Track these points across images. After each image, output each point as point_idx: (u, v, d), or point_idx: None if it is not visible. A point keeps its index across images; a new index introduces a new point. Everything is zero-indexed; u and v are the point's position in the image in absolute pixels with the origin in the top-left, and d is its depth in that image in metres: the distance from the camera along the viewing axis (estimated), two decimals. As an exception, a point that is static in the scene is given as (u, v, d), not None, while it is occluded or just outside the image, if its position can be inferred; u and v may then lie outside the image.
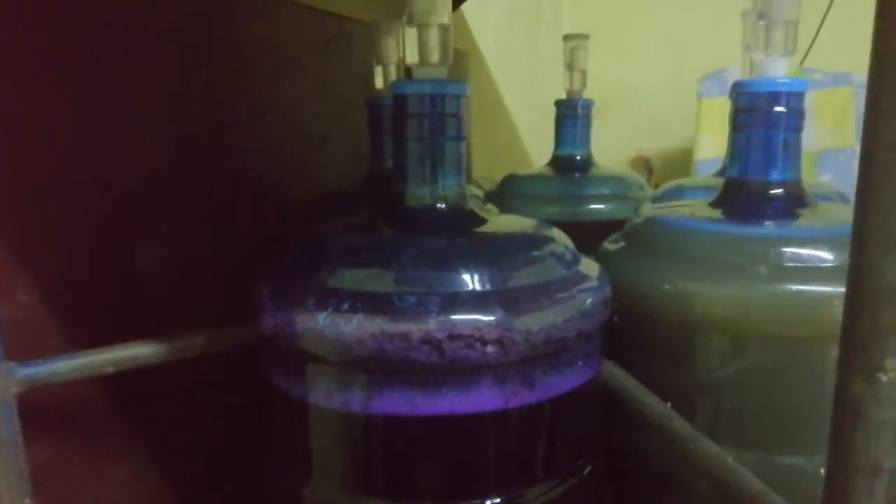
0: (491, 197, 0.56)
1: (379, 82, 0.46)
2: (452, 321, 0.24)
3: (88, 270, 0.33)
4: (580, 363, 0.27)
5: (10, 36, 0.28)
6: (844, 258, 0.26)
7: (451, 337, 0.24)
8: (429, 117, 0.28)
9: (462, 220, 0.29)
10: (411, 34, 0.28)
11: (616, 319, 0.31)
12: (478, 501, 0.26)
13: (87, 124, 0.32)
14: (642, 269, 0.31)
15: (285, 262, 0.28)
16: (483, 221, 0.30)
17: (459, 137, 0.29)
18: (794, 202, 0.32)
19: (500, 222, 0.31)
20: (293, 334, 0.25)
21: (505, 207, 0.54)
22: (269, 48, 0.43)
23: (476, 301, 0.25)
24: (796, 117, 0.31)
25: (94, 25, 0.32)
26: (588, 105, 0.56)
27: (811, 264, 0.29)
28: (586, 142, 0.56)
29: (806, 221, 0.31)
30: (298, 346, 0.25)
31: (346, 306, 0.24)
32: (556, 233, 0.31)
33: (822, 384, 0.28)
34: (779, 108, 0.31)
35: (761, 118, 0.31)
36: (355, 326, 0.24)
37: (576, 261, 0.29)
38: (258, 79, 0.42)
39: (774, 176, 0.32)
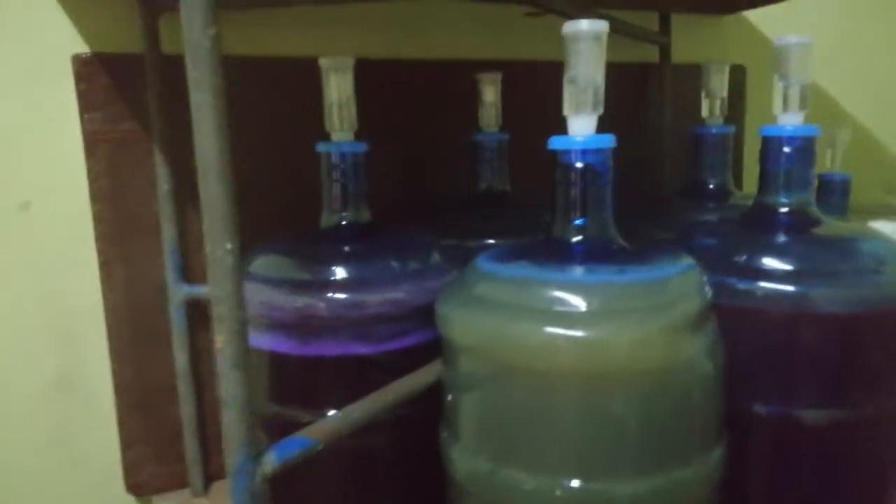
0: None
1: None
2: (310, 297, 0.39)
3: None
4: (403, 332, 0.40)
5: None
6: (597, 305, 0.31)
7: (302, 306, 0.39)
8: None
9: (366, 237, 0.43)
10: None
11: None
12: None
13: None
14: (443, 294, 0.37)
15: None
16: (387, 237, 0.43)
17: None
18: (598, 247, 0.35)
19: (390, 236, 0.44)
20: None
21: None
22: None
23: (324, 286, 0.40)
24: (596, 172, 0.35)
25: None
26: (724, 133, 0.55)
27: (557, 308, 0.32)
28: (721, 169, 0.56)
29: (598, 266, 0.34)
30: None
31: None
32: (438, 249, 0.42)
33: (536, 413, 0.33)
34: (578, 164, 0.35)
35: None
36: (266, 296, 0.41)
37: (423, 268, 0.41)
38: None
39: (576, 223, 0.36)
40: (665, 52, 0.70)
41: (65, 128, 0.51)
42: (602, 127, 0.64)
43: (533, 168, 0.59)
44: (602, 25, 0.34)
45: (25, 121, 0.51)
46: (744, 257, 0.41)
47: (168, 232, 0.53)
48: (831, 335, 0.40)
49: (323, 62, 0.42)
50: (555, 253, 0.35)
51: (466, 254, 0.41)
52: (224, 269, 0.27)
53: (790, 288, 0.39)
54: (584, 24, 0.33)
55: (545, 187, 0.49)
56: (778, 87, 0.42)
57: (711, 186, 0.56)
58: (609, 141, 0.35)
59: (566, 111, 0.35)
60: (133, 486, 0.56)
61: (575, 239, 0.35)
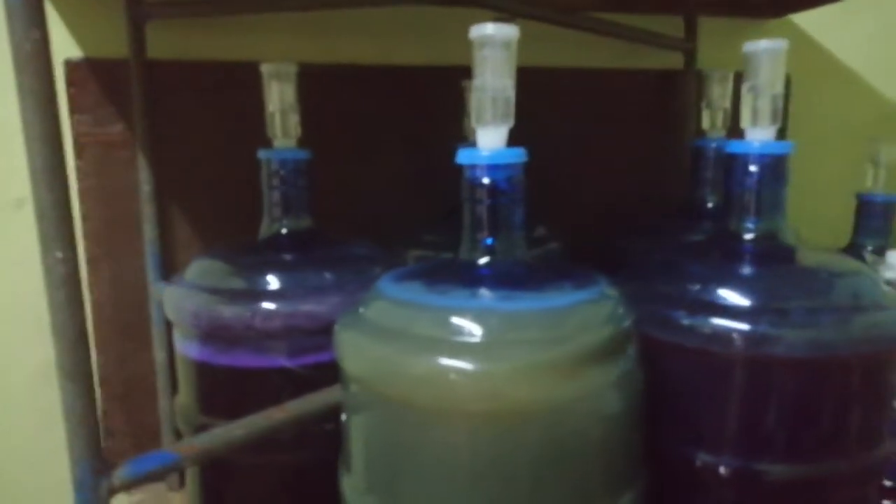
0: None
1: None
2: (227, 306, 0.38)
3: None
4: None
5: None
6: (481, 335, 0.29)
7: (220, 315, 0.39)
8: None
9: (303, 247, 0.42)
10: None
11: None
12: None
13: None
14: (343, 312, 0.34)
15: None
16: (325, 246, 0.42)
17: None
18: (503, 270, 0.33)
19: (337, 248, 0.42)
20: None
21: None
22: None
23: (248, 297, 0.39)
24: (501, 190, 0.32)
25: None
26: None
27: (436, 336, 0.29)
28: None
29: (493, 292, 0.32)
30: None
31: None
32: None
33: (423, 450, 0.30)
34: (485, 181, 0.33)
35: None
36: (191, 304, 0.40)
37: (354, 281, 0.39)
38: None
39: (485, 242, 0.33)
40: (690, 58, 0.66)
41: (57, 129, 0.54)
42: (620, 136, 0.61)
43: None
44: (511, 30, 0.31)
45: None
46: (697, 289, 0.37)
47: (149, 232, 0.54)
48: (792, 382, 0.35)
49: (265, 68, 0.41)
50: (455, 274, 0.33)
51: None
52: (56, 278, 0.26)
53: (745, 326, 0.35)
54: (490, 29, 0.31)
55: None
56: (746, 98, 0.37)
57: (710, 205, 0.52)
58: (519, 155, 0.32)
59: (473, 122, 0.32)
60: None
61: (480, 260, 0.33)
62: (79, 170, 0.54)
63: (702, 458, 0.36)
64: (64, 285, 0.26)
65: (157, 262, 0.55)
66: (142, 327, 0.56)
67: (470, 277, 0.33)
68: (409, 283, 0.33)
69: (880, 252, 0.58)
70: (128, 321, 0.56)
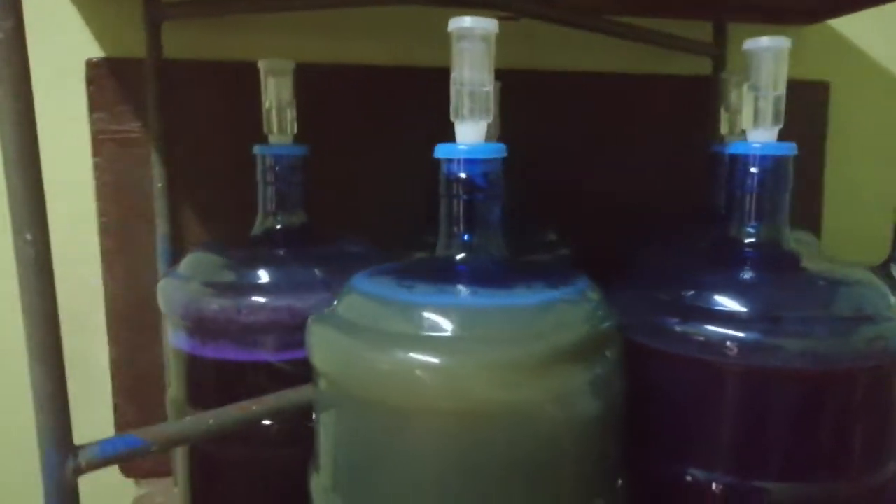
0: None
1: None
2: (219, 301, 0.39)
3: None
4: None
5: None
6: (461, 330, 0.28)
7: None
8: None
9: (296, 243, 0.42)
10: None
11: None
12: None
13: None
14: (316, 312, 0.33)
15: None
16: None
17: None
18: (478, 267, 0.32)
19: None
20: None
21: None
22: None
23: (233, 290, 0.40)
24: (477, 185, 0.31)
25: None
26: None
27: (414, 331, 0.28)
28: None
29: (462, 288, 0.31)
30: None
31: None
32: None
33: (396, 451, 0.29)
34: (462, 175, 0.32)
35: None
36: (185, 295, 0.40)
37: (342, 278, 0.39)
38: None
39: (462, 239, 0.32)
40: (719, 64, 0.64)
41: (77, 126, 0.55)
42: (643, 142, 0.60)
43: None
44: (490, 24, 0.30)
45: (46, 117, 0.55)
46: (691, 295, 0.35)
47: (161, 227, 0.55)
48: (787, 394, 0.33)
49: (262, 64, 0.42)
50: (429, 271, 0.32)
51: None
52: (26, 260, 0.27)
53: (739, 333, 0.33)
54: (468, 21, 0.30)
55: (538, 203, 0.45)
56: (748, 97, 0.36)
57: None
58: (498, 150, 0.31)
59: (452, 117, 0.32)
60: (124, 469, 0.59)
61: (457, 256, 0.32)
62: (96, 166, 0.55)
63: (692, 474, 0.35)
64: (33, 267, 0.27)
65: (167, 256, 0.55)
66: (153, 322, 0.57)
67: (443, 274, 0.32)
68: (382, 278, 0.33)
69: (918, 270, 0.55)
70: (139, 315, 0.57)
